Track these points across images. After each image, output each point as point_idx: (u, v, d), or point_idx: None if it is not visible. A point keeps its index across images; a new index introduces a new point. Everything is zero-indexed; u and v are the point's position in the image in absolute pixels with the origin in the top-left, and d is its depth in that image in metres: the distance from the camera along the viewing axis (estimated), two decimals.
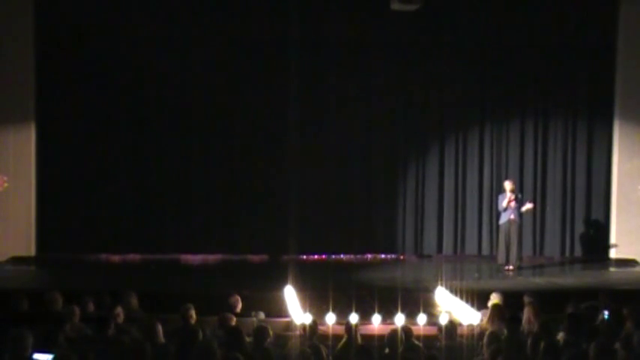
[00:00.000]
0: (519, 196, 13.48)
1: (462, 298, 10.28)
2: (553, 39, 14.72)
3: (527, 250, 14.53)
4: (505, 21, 14.72)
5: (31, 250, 13.93)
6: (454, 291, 10.59)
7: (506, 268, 13.18)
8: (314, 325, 7.85)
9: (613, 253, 14.62)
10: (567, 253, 15.03)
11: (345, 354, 7.37)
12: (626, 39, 14.48)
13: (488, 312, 8.69)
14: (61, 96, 14.15)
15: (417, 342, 7.41)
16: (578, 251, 15.05)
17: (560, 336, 7.48)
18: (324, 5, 14.34)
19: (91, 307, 8.82)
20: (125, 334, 7.52)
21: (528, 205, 13.40)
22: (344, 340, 7.67)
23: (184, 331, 7.47)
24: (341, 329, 8.11)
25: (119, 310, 8.31)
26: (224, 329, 7.75)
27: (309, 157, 14.56)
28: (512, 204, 13.21)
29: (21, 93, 13.80)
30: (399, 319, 8.31)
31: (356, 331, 7.70)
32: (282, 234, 14.06)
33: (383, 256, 14.82)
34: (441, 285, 11.00)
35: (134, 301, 9.19)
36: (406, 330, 7.45)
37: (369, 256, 14.76)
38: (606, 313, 8.48)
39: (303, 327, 7.93)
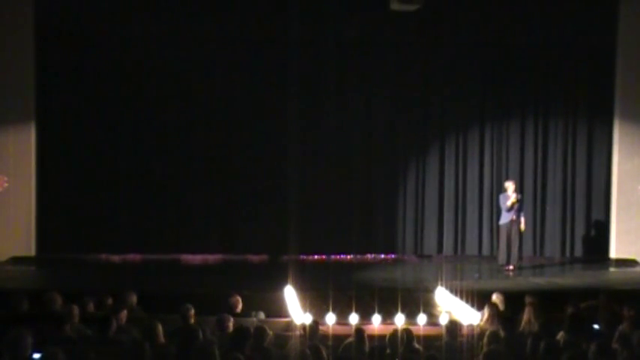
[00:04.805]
0: (519, 196, 13.47)
1: (462, 298, 10.28)
2: (553, 39, 14.72)
3: (527, 250, 14.54)
4: (505, 21, 14.71)
5: (31, 250, 13.92)
6: (454, 291, 10.59)
7: (507, 268, 13.18)
8: (314, 326, 7.85)
9: (613, 253, 14.62)
10: (567, 253, 15.03)
11: (349, 355, 7.36)
12: (626, 39, 14.48)
13: (485, 311, 8.70)
14: (61, 96, 14.16)
15: (417, 345, 7.40)
16: (578, 251, 15.05)
17: (560, 336, 7.48)
18: (324, 5, 14.32)
19: (91, 307, 8.83)
20: (125, 334, 7.53)
21: (522, 226, 13.42)
22: (349, 340, 7.66)
23: (184, 331, 7.47)
24: (341, 329, 8.11)
25: (124, 313, 8.30)
26: (224, 330, 7.76)
27: (309, 157, 14.58)
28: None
29: (21, 93, 13.79)
30: (399, 319, 8.31)
31: (363, 334, 7.67)
32: (282, 234, 14.05)
33: (383, 256, 14.82)
34: (441, 285, 11.00)
35: (134, 301, 9.20)
36: (407, 333, 7.44)
37: (369, 256, 14.76)
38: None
39: (303, 327, 7.92)
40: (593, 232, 15.02)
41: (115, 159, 14.37)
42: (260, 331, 7.20)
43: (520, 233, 13.37)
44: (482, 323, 8.46)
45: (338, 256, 14.61)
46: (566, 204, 15.02)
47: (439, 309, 10.18)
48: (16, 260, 13.48)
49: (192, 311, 8.16)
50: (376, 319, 8.69)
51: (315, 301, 9.74)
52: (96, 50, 14.10)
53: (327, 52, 14.60)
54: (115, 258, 14.29)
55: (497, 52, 14.89)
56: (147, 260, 14.20)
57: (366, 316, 8.67)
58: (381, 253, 14.84)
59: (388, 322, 8.59)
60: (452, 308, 10.05)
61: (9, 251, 13.63)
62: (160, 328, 7.14)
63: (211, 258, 14.49)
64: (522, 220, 13.41)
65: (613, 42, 14.57)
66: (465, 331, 8.00)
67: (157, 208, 14.48)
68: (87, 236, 14.17)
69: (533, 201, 14.93)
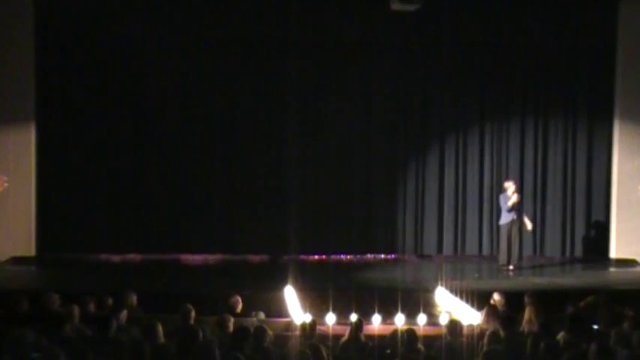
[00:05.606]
0: (520, 197, 13.46)
1: (462, 298, 10.28)
2: (553, 39, 14.72)
3: (528, 250, 14.52)
4: (505, 21, 14.73)
5: (31, 250, 13.92)
6: (454, 291, 10.59)
7: (507, 268, 13.18)
8: (314, 325, 7.85)
9: (613, 253, 14.62)
10: (567, 253, 15.02)
11: (347, 352, 7.37)
12: (626, 39, 14.48)
13: (485, 311, 8.71)
14: (61, 96, 14.16)
15: (420, 346, 7.40)
16: (578, 251, 15.05)
17: (560, 336, 7.48)
18: (324, 5, 14.33)
19: (91, 307, 8.83)
20: (125, 334, 7.53)
21: (529, 225, 13.41)
22: (346, 337, 7.67)
23: (184, 331, 7.47)
24: (341, 329, 8.11)
25: (124, 313, 8.30)
26: (225, 329, 7.76)
27: (309, 157, 14.59)
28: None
29: (21, 93, 13.79)
30: (399, 319, 8.31)
31: (359, 330, 7.68)
32: (282, 234, 14.07)
33: (383, 256, 14.82)
34: (441, 285, 11.00)
35: (134, 301, 9.20)
36: (410, 333, 7.44)
37: (369, 256, 14.76)
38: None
39: (303, 327, 7.93)
40: (593, 232, 15.02)
41: (114, 159, 14.35)
42: (260, 331, 7.20)
43: (520, 233, 13.37)
44: (482, 323, 8.46)
45: (338, 256, 14.62)
46: (566, 204, 15.02)
47: (439, 309, 10.18)
48: (16, 260, 13.48)
49: (193, 311, 8.16)
50: (376, 319, 8.69)
51: (315, 301, 9.74)
52: (96, 50, 14.08)
53: (327, 52, 14.60)
54: (115, 258, 14.29)
55: (497, 52, 14.88)
56: (147, 260, 14.19)
57: (366, 316, 8.67)
58: (381, 253, 14.84)
59: (388, 322, 8.59)
60: (452, 308, 10.05)
61: (9, 251, 13.62)
62: (159, 328, 7.14)
63: (211, 258, 14.48)
64: (527, 220, 13.39)
65: (613, 42, 14.57)
66: (465, 331, 8.00)
67: (156, 208, 14.48)
68: (87, 236, 14.16)
69: (533, 201, 14.92)
